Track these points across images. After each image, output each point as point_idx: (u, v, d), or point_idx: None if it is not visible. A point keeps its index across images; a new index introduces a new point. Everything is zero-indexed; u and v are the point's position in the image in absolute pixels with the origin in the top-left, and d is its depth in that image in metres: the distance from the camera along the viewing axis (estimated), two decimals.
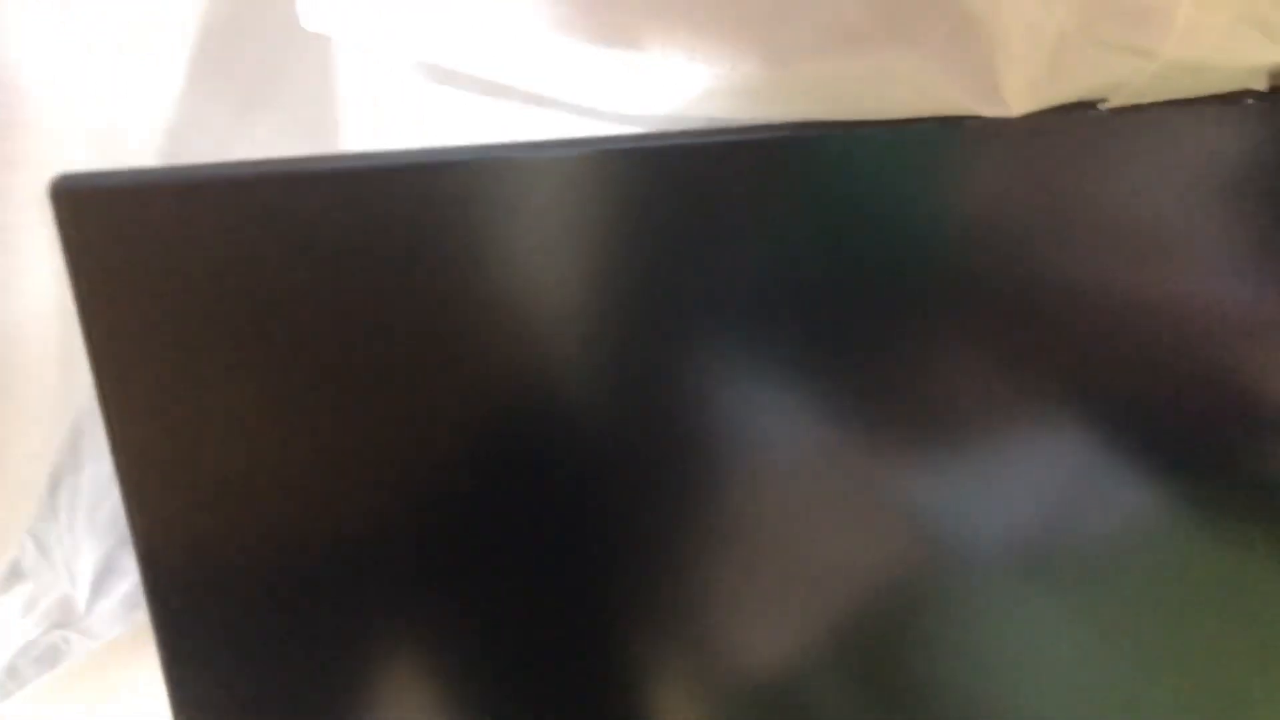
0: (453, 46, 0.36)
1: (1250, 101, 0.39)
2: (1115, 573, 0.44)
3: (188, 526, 0.35)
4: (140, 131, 0.41)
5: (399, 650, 0.40)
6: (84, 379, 0.33)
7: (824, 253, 0.37)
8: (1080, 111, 0.38)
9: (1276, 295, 0.42)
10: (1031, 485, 0.42)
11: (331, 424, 0.35)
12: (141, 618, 0.53)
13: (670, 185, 0.35)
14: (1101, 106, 0.38)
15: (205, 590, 0.36)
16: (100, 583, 0.53)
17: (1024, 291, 0.39)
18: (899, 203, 0.37)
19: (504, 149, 0.34)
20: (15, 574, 0.51)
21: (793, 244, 0.36)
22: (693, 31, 0.34)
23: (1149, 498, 0.43)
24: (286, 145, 0.44)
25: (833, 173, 0.36)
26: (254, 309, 0.33)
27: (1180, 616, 0.45)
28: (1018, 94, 0.36)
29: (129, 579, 0.54)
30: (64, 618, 0.54)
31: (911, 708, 0.45)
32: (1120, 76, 0.37)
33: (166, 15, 0.40)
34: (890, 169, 0.36)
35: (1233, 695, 0.46)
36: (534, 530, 0.39)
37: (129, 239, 0.32)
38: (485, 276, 0.34)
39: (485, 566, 0.39)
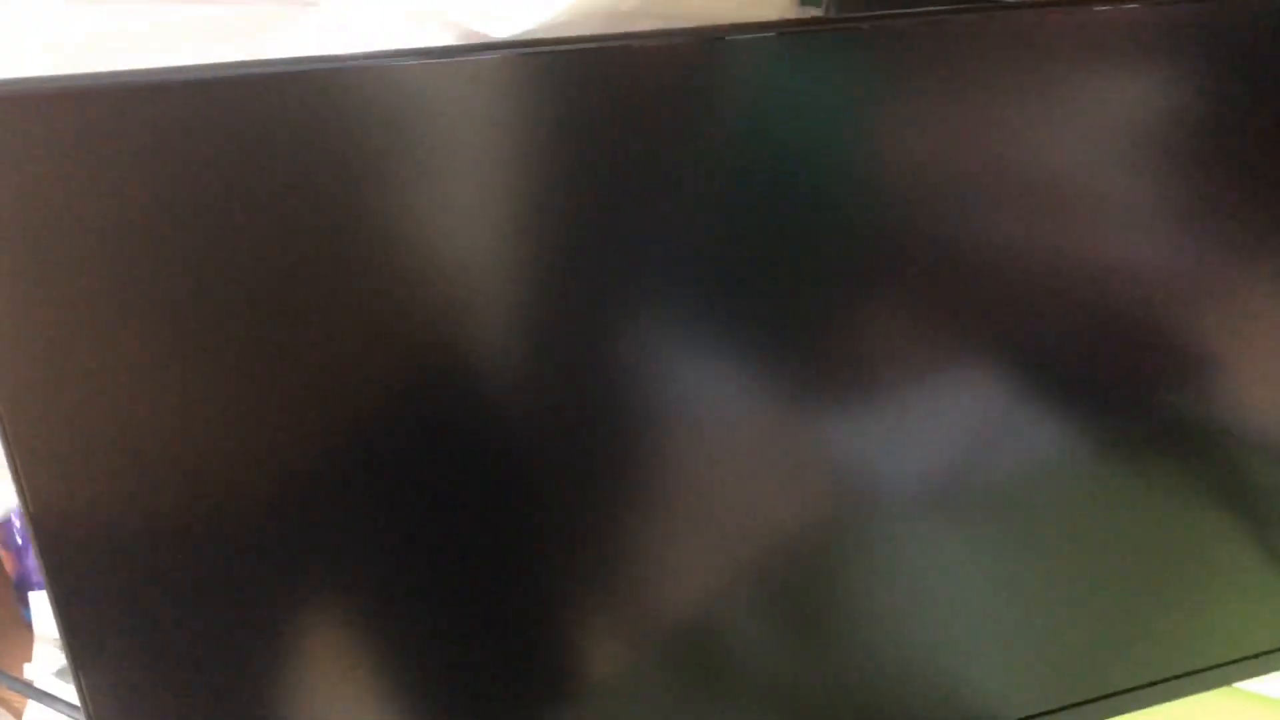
0: None
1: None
2: (1030, 510, 0.45)
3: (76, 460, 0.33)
4: None
5: (319, 615, 0.38)
6: None
7: (740, 172, 0.36)
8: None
9: (1182, 239, 0.42)
10: (949, 426, 0.42)
11: (233, 363, 0.34)
12: None
13: (573, 91, 0.34)
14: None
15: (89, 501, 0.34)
16: None
17: (939, 224, 0.39)
18: (804, 116, 0.36)
19: (403, 55, 0.33)
20: None
21: (704, 160, 0.35)
22: None
23: (1062, 438, 0.44)
24: None
25: (746, 81, 0.35)
26: (152, 229, 0.32)
27: (1088, 549, 0.47)
28: None
29: None
30: None
31: (842, 647, 0.45)
32: None
33: None
34: (783, 77, 0.35)
35: (1134, 620, 0.49)
36: (456, 472, 0.37)
37: (23, 150, 0.30)
38: (397, 192, 0.33)
39: (405, 520, 0.37)
